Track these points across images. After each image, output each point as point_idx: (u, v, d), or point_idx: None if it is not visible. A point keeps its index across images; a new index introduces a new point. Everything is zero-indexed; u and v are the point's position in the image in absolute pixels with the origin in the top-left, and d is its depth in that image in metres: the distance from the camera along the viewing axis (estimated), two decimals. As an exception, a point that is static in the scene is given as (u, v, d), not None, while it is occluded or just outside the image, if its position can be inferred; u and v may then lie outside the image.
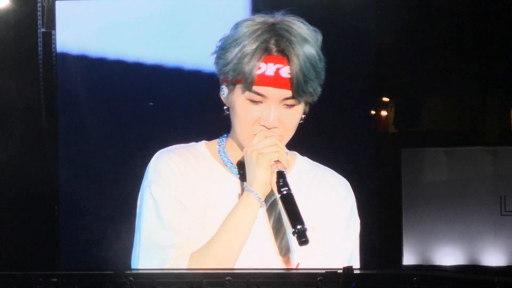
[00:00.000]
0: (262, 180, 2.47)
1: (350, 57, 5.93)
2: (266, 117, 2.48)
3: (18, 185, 5.94)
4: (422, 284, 2.14)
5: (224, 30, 2.58)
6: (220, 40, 2.55)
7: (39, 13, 5.99)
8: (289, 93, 2.48)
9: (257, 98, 2.48)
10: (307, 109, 2.57)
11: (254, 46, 2.46)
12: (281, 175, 2.46)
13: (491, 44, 6.22)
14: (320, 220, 2.55)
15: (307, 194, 2.57)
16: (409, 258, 6.23)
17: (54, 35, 6.04)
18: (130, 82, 6.00)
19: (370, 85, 6.09)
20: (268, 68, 2.47)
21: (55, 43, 6.04)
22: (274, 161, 2.47)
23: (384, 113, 6.71)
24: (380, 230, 5.99)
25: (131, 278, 2.11)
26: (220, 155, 2.65)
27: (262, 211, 2.51)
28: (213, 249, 2.49)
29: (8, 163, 5.84)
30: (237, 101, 2.51)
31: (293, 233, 2.37)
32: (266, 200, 2.50)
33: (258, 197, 2.47)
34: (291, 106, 2.50)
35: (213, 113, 2.68)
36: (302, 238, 2.37)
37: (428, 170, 6.33)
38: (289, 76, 2.47)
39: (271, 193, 2.51)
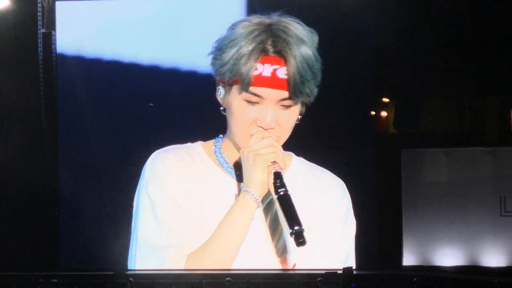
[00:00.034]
0: (259, 181, 2.47)
1: (350, 57, 5.94)
2: (263, 118, 2.48)
3: (18, 185, 5.94)
4: (422, 284, 2.14)
5: (222, 31, 2.58)
6: (216, 41, 2.56)
7: (39, 13, 6.00)
8: (286, 94, 2.48)
9: (254, 99, 2.48)
10: (304, 109, 2.57)
11: (251, 47, 2.46)
12: (278, 176, 2.46)
13: (491, 44, 6.23)
14: (316, 221, 2.55)
15: (303, 194, 2.57)
16: (409, 259, 6.23)
17: (54, 35, 6.04)
18: (130, 82, 6.01)
19: (370, 86, 6.10)
20: (265, 69, 2.47)
21: (55, 44, 6.04)
22: (271, 162, 2.47)
23: (384, 113, 6.71)
24: (380, 231, 6.00)
25: (131, 279, 2.11)
26: (216, 156, 2.65)
27: (259, 211, 2.51)
28: (210, 249, 2.49)
29: (8, 163, 5.85)
30: (233, 102, 2.51)
31: (291, 234, 2.37)
32: (262, 201, 2.50)
33: (255, 198, 2.47)
34: (288, 107, 2.50)
35: (210, 114, 2.68)
36: (300, 239, 2.37)
37: (428, 171, 6.33)
38: (286, 77, 2.47)
39: (267, 194, 2.51)
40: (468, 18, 6.18)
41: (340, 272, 2.16)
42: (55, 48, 6.05)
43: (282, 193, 2.43)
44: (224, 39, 2.53)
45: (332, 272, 2.16)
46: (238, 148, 2.57)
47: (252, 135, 2.50)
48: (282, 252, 2.59)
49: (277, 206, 2.49)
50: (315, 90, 2.55)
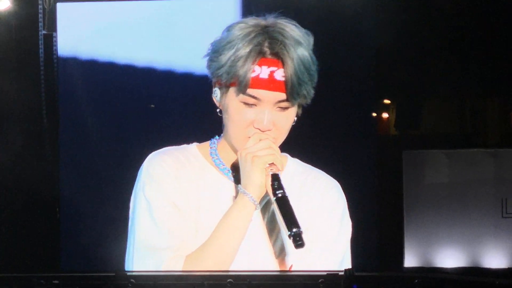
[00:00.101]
0: (257, 183, 2.46)
1: (351, 59, 5.94)
2: (260, 119, 2.48)
3: (19, 187, 5.94)
4: (424, 286, 2.14)
5: (218, 32, 2.58)
6: (212, 43, 2.55)
7: (40, 15, 6.00)
8: (283, 95, 2.47)
9: (251, 101, 2.47)
10: (300, 111, 2.57)
11: (248, 49, 2.45)
12: (276, 178, 2.46)
13: (491, 46, 6.23)
14: (312, 222, 2.55)
15: (299, 196, 2.57)
16: (410, 260, 6.23)
17: (55, 37, 6.05)
18: (131, 84, 6.01)
19: (371, 87, 6.10)
20: (262, 71, 2.46)
21: (56, 45, 6.05)
22: (269, 164, 2.47)
23: (385, 115, 6.72)
24: (381, 232, 6.00)
25: (132, 280, 2.11)
26: (212, 157, 2.64)
27: (256, 213, 2.51)
28: (208, 251, 2.49)
29: (9, 164, 5.85)
30: (230, 103, 2.50)
31: (289, 236, 2.37)
32: (259, 202, 2.50)
33: (253, 199, 2.46)
34: (285, 108, 2.50)
35: (206, 115, 2.68)
36: (298, 241, 2.36)
37: (429, 172, 6.33)
38: (283, 79, 2.46)
39: (264, 195, 2.51)
40: (469, 20, 6.19)
41: (342, 273, 2.16)
42: (56, 50, 6.05)
43: (280, 195, 2.42)
44: (221, 41, 2.52)
45: (333, 274, 2.16)
46: (235, 150, 2.57)
47: (249, 137, 2.50)
48: (279, 253, 2.59)
49: (274, 208, 2.49)
50: (312, 92, 2.54)
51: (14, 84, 5.94)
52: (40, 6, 5.98)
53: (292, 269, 2.54)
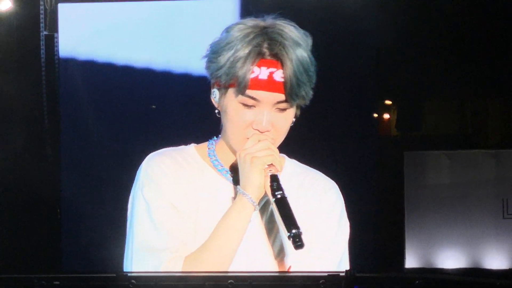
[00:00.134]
0: (256, 184, 2.46)
1: (352, 60, 5.95)
2: (259, 120, 2.48)
3: (19, 187, 5.94)
4: (424, 287, 2.14)
5: (218, 33, 2.58)
6: (211, 44, 2.55)
7: (41, 16, 6.01)
8: (282, 96, 2.48)
9: (250, 102, 2.47)
10: (299, 112, 2.57)
11: (247, 50, 2.46)
12: (275, 179, 2.46)
13: (493, 46, 6.23)
14: (310, 224, 2.55)
15: (297, 197, 2.57)
16: (411, 261, 6.23)
17: (57, 38, 6.05)
18: (133, 84, 6.02)
19: (372, 88, 6.10)
20: (262, 72, 2.47)
21: (57, 46, 6.05)
22: (268, 165, 2.47)
23: (386, 116, 6.72)
24: (383, 233, 6.00)
25: (133, 281, 2.11)
26: (210, 158, 2.64)
27: (254, 214, 2.51)
28: (208, 252, 2.49)
29: (10, 165, 5.85)
30: (229, 104, 2.50)
31: (289, 237, 2.37)
32: (258, 203, 2.50)
33: (252, 200, 2.47)
34: (284, 109, 2.50)
35: (205, 116, 2.68)
36: (298, 242, 2.36)
37: (430, 173, 6.33)
38: (282, 80, 2.46)
39: (263, 196, 2.51)
40: (470, 20, 6.18)
41: (343, 274, 2.16)
42: (57, 50, 6.06)
43: (279, 196, 2.43)
44: (219, 42, 2.53)
45: (334, 275, 2.16)
46: (233, 151, 2.58)
47: (247, 138, 2.50)
48: (278, 253, 2.60)
49: (273, 208, 2.49)
50: (311, 93, 2.55)
51: (15, 85, 5.95)
52: (41, 7, 5.98)
53: (291, 270, 2.55)
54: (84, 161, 6.04)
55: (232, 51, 2.47)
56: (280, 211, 2.41)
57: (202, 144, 2.69)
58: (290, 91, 2.46)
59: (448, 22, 6.18)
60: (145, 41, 5.98)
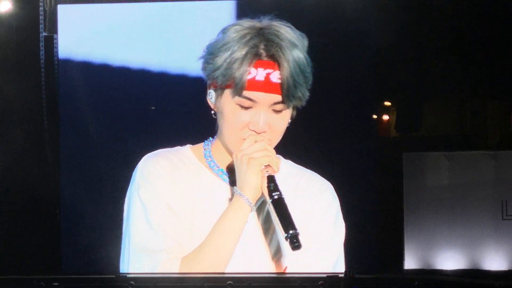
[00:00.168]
0: (253, 185, 2.47)
1: (351, 61, 5.95)
2: (256, 122, 2.48)
3: (19, 188, 5.94)
4: (423, 288, 2.14)
5: (214, 35, 2.58)
6: (208, 45, 2.56)
7: (41, 17, 6.01)
8: (279, 97, 2.48)
9: (247, 103, 2.48)
10: (295, 113, 2.58)
11: (244, 52, 2.46)
12: (271, 180, 2.47)
13: (492, 48, 6.23)
14: (307, 225, 2.55)
15: (293, 198, 2.57)
16: (410, 263, 6.23)
17: (56, 39, 6.05)
18: (132, 85, 6.01)
19: (371, 89, 6.10)
20: (258, 73, 2.47)
21: (57, 47, 6.05)
22: (265, 166, 2.48)
23: (385, 117, 6.72)
24: (382, 234, 6.00)
25: (132, 282, 2.12)
26: (206, 159, 2.65)
27: (251, 214, 2.52)
28: (205, 253, 2.49)
29: (9, 166, 5.85)
30: (226, 105, 2.51)
31: (286, 238, 2.37)
32: (254, 204, 2.51)
33: (249, 201, 2.47)
34: (280, 110, 2.51)
35: (206, 117, 2.68)
36: (295, 243, 2.36)
37: (430, 175, 6.33)
38: (279, 81, 2.47)
39: (259, 197, 2.52)
40: (469, 21, 6.19)
41: (342, 275, 2.17)
42: (56, 51, 6.06)
43: (276, 197, 2.43)
44: (216, 43, 2.53)
45: (333, 276, 2.17)
46: (229, 152, 2.58)
47: (244, 139, 2.50)
48: (275, 253, 2.60)
49: (270, 209, 2.49)
50: (307, 94, 2.55)
51: (15, 86, 5.95)
52: (41, 8, 5.98)
53: (287, 270, 2.55)
54: (84, 161, 6.04)
55: (229, 52, 2.47)
56: (277, 212, 2.42)
57: (197, 145, 2.69)
58: (287, 92, 2.47)
59: (447, 23, 6.18)
60: (145, 42, 5.98)
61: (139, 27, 5.98)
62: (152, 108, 6.02)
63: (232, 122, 2.51)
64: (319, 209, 2.65)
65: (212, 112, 2.59)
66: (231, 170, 2.58)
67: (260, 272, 2.50)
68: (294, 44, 2.49)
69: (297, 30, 2.54)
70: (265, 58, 2.47)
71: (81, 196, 6.00)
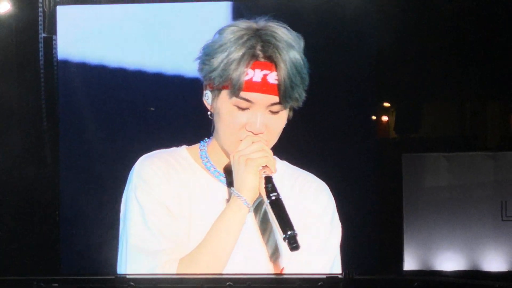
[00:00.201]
0: (251, 185, 2.48)
1: (351, 61, 5.94)
2: (253, 122, 2.49)
3: (18, 189, 5.94)
4: (423, 289, 2.14)
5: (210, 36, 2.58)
6: (204, 46, 2.56)
7: (40, 18, 6.00)
8: (276, 98, 2.49)
9: (244, 104, 2.49)
10: (291, 114, 2.58)
11: (241, 53, 2.46)
12: (269, 181, 2.47)
13: (492, 48, 6.23)
14: (304, 225, 2.56)
15: (289, 198, 2.57)
16: (410, 263, 6.22)
17: (55, 40, 6.04)
18: (132, 86, 6.01)
19: (371, 90, 6.10)
20: (256, 74, 2.48)
21: (56, 48, 6.04)
22: (262, 166, 2.48)
23: (384, 118, 6.71)
24: (381, 235, 6.00)
25: (131, 283, 2.12)
26: (203, 160, 2.66)
27: (248, 214, 2.52)
28: (203, 254, 2.50)
29: (9, 167, 5.85)
30: (223, 106, 2.51)
31: (284, 238, 2.38)
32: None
33: (246, 202, 2.47)
34: (277, 111, 2.51)
35: (199, 118, 2.69)
36: (293, 244, 2.37)
37: (429, 176, 6.33)
38: (276, 82, 2.48)
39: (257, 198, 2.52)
40: (469, 22, 6.18)
41: (341, 276, 2.17)
42: (56, 53, 6.05)
43: (274, 197, 2.44)
44: (213, 44, 2.53)
45: (333, 277, 2.17)
46: (225, 153, 2.58)
47: (241, 140, 2.50)
48: (272, 253, 2.61)
49: (268, 210, 2.49)
50: (304, 95, 2.56)
51: (14, 87, 5.94)
52: (40, 9, 5.98)
53: (284, 271, 2.55)
54: (83, 162, 6.03)
55: (226, 54, 2.47)
56: (275, 213, 2.42)
57: (193, 146, 2.70)
58: (284, 93, 2.47)
59: (447, 24, 6.18)
60: (144, 43, 5.97)
61: (138, 28, 5.97)
62: (152, 109, 6.02)
63: (229, 123, 2.51)
64: (316, 210, 2.66)
65: (209, 113, 2.59)
66: (227, 171, 2.58)
67: (260, 273, 2.50)
68: (290, 45, 2.49)
69: (293, 31, 2.54)
70: (262, 59, 2.48)
71: (81, 197, 5.99)
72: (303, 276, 2.32)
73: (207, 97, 2.57)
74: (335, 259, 2.65)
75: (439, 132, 6.76)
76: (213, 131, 2.61)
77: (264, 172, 2.47)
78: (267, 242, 2.60)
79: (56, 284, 2.10)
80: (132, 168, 2.64)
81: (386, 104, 6.68)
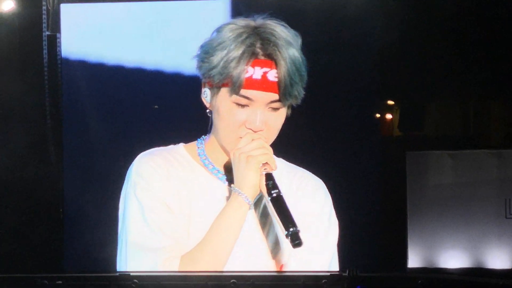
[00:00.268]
0: (252, 183, 2.48)
1: (354, 59, 5.94)
2: (253, 120, 2.50)
3: (22, 188, 5.94)
4: (427, 286, 2.14)
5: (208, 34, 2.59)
6: (202, 44, 2.57)
7: (44, 16, 6.00)
8: (276, 96, 2.50)
9: (244, 101, 2.49)
10: (289, 112, 2.59)
11: (240, 50, 2.47)
12: (270, 178, 2.48)
13: (495, 47, 6.22)
14: (302, 222, 2.56)
15: (287, 197, 2.58)
16: (414, 261, 6.22)
17: (59, 38, 6.04)
18: (136, 85, 6.01)
19: (375, 88, 6.10)
20: (255, 72, 2.49)
21: (60, 46, 6.04)
22: (263, 164, 2.48)
23: (388, 116, 6.70)
24: (385, 233, 5.99)
25: (135, 280, 2.12)
26: (201, 157, 2.66)
27: (250, 212, 2.52)
28: (204, 251, 2.50)
29: (12, 166, 5.85)
30: (222, 104, 2.52)
31: (286, 235, 2.38)
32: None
33: (247, 200, 2.48)
34: (277, 109, 2.52)
35: (200, 115, 2.69)
36: (296, 240, 2.37)
37: (433, 173, 6.32)
38: (276, 79, 2.49)
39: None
40: (472, 21, 6.18)
41: (345, 274, 2.17)
42: (59, 51, 6.05)
43: (275, 194, 2.44)
44: (211, 42, 2.54)
45: (337, 274, 2.17)
46: (224, 150, 2.59)
47: (240, 137, 2.51)
48: (272, 249, 2.61)
49: (269, 207, 2.50)
50: (302, 92, 2.57)
51: (18, 85, 5.95)
52: (43, 7, 5.98)
53: (284, 268, 2.56)
54: (87, 161, 6.04)
55: (225, 51, 2.48)
56: (276, 210, 2.42)
57: (191, 143, 2.71)
58: (284, 90, 2.48)
59: (450, 23, 6.17)
60: (149, 42, 5.97)
61: (141, 27, 5.97)
62: (155, 107, 6.02)
63: (229, 120, 2.52)
64: (313, 207, 2.67)
65: (207, 110, 2.59)
66: (226, 169, 2.59)
67: (263, 271, 2.50)
68: (289, 43, 2.50)
69: (291, 29, 2.55)
70: (262, 57, 2.49)
71: (84, 195, 6.00)
72: (306, 274, 2.32)
73: (206, 95, 2.58)
74: (333, 256, 2.65)
75: (443, 130, 6.75)
76: (210, 128, 2.62)
77: (265, 169, 2.47)
78: (267, 238, 2.61)
79: (59, 282, 2.11)
80: (130, 166, 2.65)
81: (390, 102, 6.68)
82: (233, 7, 5.90)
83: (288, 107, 2.57)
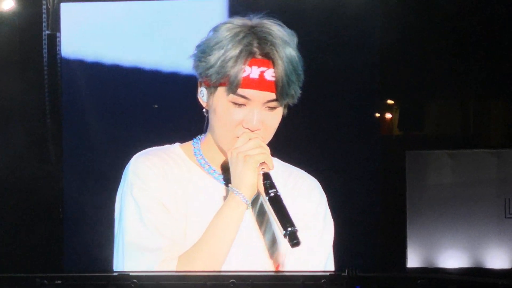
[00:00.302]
0: (250, 182, 2.48)
1: (355, 59, 5.95)
2: (250, 119, 2.50)
3: (21, 187, 5.94)
4: (426, 286, 2.14)
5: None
6: (199, 43, 2.57)
7: (44, 15, 6.00)
8: (273, 95, 2.50)
9: (241, 100, 2.49)
10: (286, 112, 2.59)
11: (238, 50, 2.47)
12: (267, 177, 2.48)
13: (495, 47, 6.22)
14: (298, 221, 2.56)
15: (283, 197, 2.57)
16: (413, 261, 6.23)
17: (59, 37, 6.05)
18: (136, 84, 6.01)
19: (375, 88, 6.10)
20: (253, 71, 2.49)
21: (60, 45, 6.05)
22: (260, 163, 2.48)
23: (388, 115, 6.71)
24: (384, 233, 6.00)
25: (135, 280, 2.12)
26: (197, 157, 2.66)
27: (247, 212, 2.52)
28: (202, 251, 2.50)
29: (12, 166, 5.85)
30: (219, 103, 2.52)
31: (284, 235, 2.38)
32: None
33: (245, 199, 2.48)
34: (273, 108, 2.52)
35: (196, 115, 2.69)
36: (294, 240, 2.37)
37: (433, 173, 6.33)
38: (273, 79, 2.49)
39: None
40: (473, 21, 6.18)
41: (344, 274, 2.17)
42: (59, 50, 6.05)
43: (273, 194, 2.44)
44: (208, 41, 2.54)
45: (336, 274, 2.17)
46: (220, 150, 2.59)
47: (237, 137, 2.51)
48: (269, 248, 2.61)
49: (267, 206, 2.50)
50: (299, 92, 2.57)
51: (18, 84, 5.95)
52: (43, 6, 5.98)
53: (280, 268, 2.56)
54: (87, 161, 6.04)
55: (223, 51, 2.48)
56: (274, 209, 2.42)
57: (187, 143, 2.70)
58: (281, 90, 2.48)
59: (450, 23, 6.18)
60: (149, 41, 5.97)
61: (142, 26, 5.97)
62: (155, 106, 6.02)
63: (225, 120, 2.52)
64: (310, 208, 2.67)
65: (204, 110, 2.59)
66: (222, 168, 2.59)
67: (262, 271, 2.50)
68: (286, 42, 2.50)
69: (287, 28, 2.55)
70: (259, 57, 2.48)
71: (84, 195, 6.00)
72: (306, 274, 2.32)
73: (202, 94, 2.58)
74: (329, 256, 2.66)
75: (443, 129, 6.76)
76: (206, 128, 2.62)
77: (262, 168, 2.47)
78: (264, 238, 2.61)
79: (59, 281, 2.11)
80: (127, 166, 2.65)
81: (390, 102, 6.68)
82: (231, 7, 5.90)
83: (284, 107, 2.57)
